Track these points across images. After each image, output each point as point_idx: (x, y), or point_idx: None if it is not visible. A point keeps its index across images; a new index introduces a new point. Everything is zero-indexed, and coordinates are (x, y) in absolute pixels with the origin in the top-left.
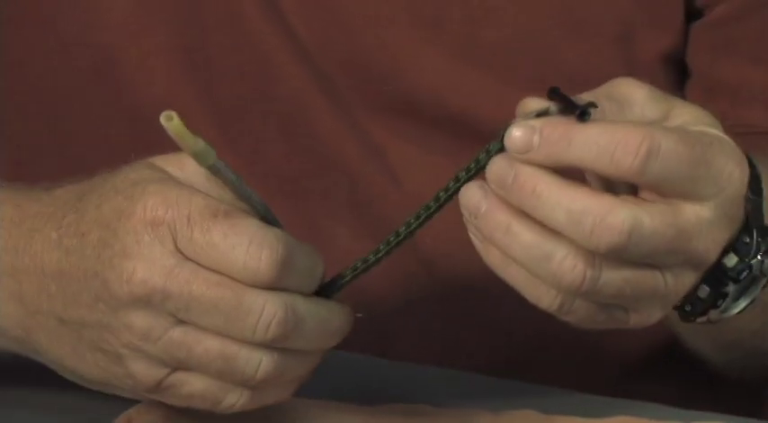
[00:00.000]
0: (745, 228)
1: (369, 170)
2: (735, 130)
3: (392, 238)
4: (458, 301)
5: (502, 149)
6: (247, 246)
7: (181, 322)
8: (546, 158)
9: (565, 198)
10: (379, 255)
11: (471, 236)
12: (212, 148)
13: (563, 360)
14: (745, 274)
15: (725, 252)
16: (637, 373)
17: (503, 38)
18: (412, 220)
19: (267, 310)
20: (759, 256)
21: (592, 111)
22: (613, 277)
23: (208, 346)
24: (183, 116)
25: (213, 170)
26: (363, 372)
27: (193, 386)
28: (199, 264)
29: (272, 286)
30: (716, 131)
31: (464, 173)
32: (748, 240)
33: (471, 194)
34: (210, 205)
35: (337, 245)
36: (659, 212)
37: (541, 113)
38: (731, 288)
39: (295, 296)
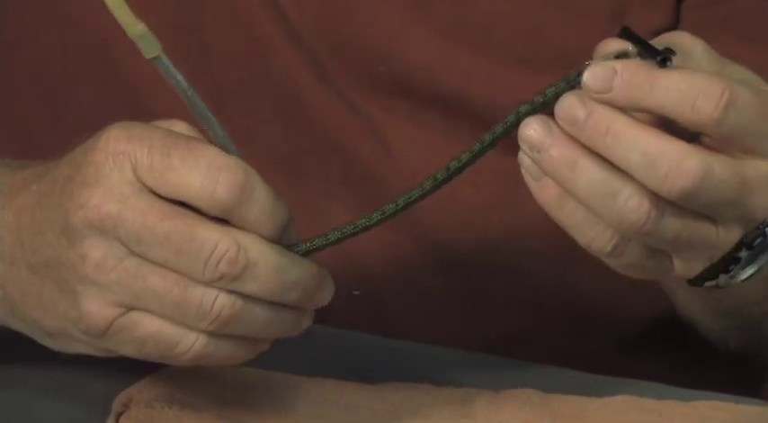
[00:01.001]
0: None
1: (364, 148)
2: None
3: (390, 207)
4: (455, 278)
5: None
6: (206, 168)
7: (133, 255)
8: (625, 101)
9: (641, 140)
10: (371, 222)
11: (524, 172)
12: (158, 41)
13: (560, 335)
14: (759, 240)
15: None
16: (633, 349)
17: (494, 17)
18: (415, 191)
19: (219, 247)
20: None
21: (673, 57)
22: (674, 221)
23: (163, 275)
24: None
25: (158, 65)
26: (362, 350)
27: (146, 328)
28: (157, 192)
29: (229, 214)
30: None
31: (515, 115)
32: None
33: (535, 128)
34: (172, 134)
35: (334, 223)
36: (729, 162)
37: (620, 55)
38: (744, 253)
39: (251, 236)
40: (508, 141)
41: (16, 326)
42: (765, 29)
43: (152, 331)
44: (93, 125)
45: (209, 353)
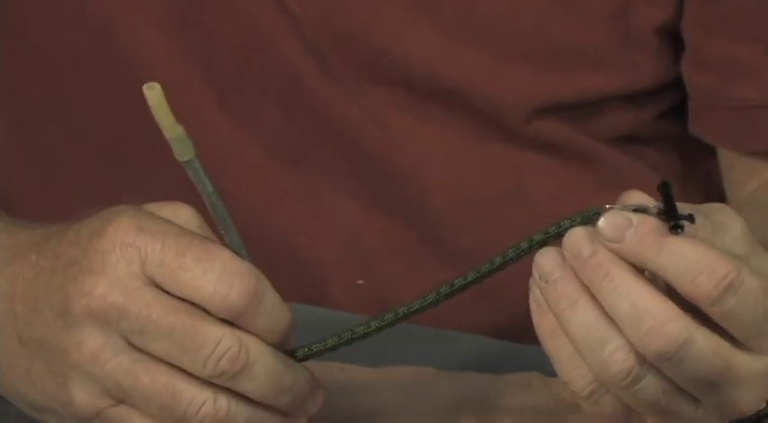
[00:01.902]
0: None
1: (368, 138)
2: (727, 103)
3: (389, 316)
4: (459, 265)
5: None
6: (220, 272)
7: (132, 348)
8: (632, 255)
9: (635, 292)
10: (369, 329)
11: (531, 299)
12: (193, 145)
13: None
14: None
15: None
16: None
17: (497, 13)
18: (416, 303)
19: (222, 344)
20: None
21: (686, 225)
22: (655, 386)
23: (155, 376)
24: (179, 87)
25: (189, 168)
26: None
27: (129, 418)
28: (165, 289)
29: (238, 319)
30: None
31: (526, 243)
32: None
33: (550, 258)
34: (186, 233)
35: (340, 213)
36: (716, 340)
37: (639, 209)
38: None
39: (254, 337)
40: (518, 137)
41: (2, 392)
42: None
43: None
44: (92, 115)
45: None
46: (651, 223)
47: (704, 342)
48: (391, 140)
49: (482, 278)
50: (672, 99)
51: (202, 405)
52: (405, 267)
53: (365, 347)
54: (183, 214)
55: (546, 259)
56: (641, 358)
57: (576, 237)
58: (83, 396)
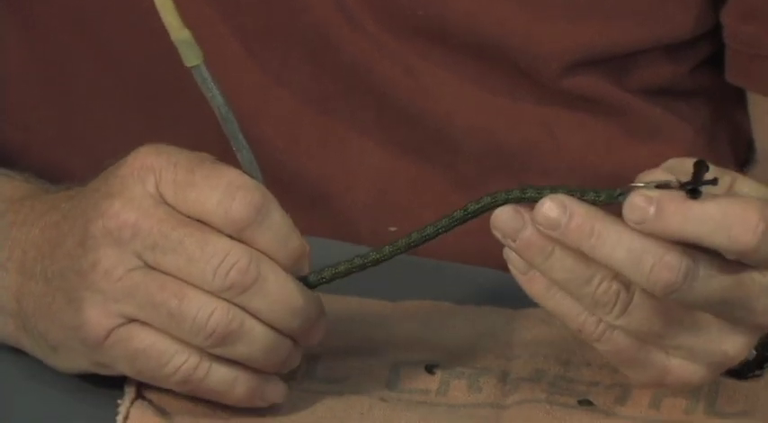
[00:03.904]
0: None
1: (399, 89)
2: None
3: (402, 241)
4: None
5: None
6: (225, 186)
7: (145, 266)
8: (660, 231)
9: (625, 238)
10: (383, 255)
11: (511, 267)
12: (200, 50)
13: None
14: None
15: None
16: None
17: None
18: (429, 228)
19: (231, 256)
20: None
21: (703, 189)
22: (643, 305)
23: (165, 284)
24: (208, 39)
25: (196, 74)
26: (384, 268)
27: (141, 341)
28: (176, 208)
29: (242, 234)
30: None
31: (503, 194)
32: None
33: (507, 217)
34: (200, 155)
35: (370, 161)
36: (719, 260)
37: (661, 185)
38: None
39: (266, 256)
40: (550, 92)
41: (25, 343)
42: None
43: (146, 345)
44: (118, 68)
45: (200, 376)
46: (672, 195)
47: (707, 264)
48: (422, 90)
49: (497, 204)
50: (706, 50)
51: (213, 311)
52: (434, 213)
53: (382, 281)
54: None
55: (503, 219)
56: (626, 284)
57: (546, 209)
58: (93, 315)
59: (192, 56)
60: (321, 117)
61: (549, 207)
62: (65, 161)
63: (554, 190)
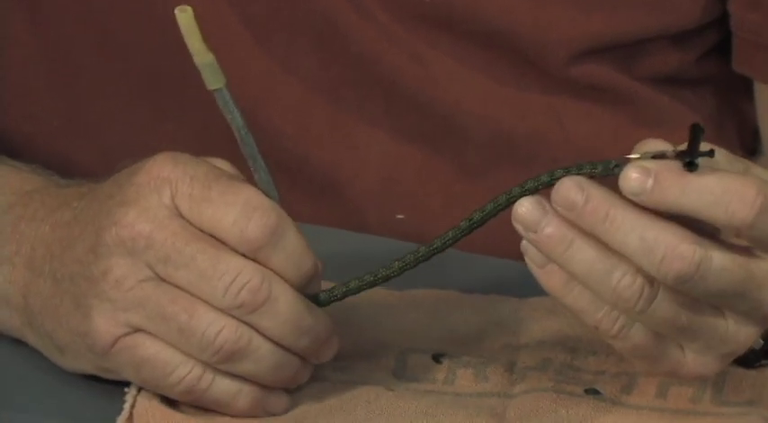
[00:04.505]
0: None
1: (407, 78)
2: None
3: (410, 257)
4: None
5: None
6: (242, 205)
7: (155, 278)
8: (656, 203)
9: (639, 224)
10: (392, 271)
11: (528, 261)
12: (223, 74)
13: None
14: None
15: None
16: None
17: None
18: (437, 241)
19: (243, 274)
20: None
21: (700, 161)
22: (670, 300)
23: (176, 298)
24: (216, 27)
25: (218, 97)
26: (391, 256)
27: (146, 350)
28: (191, 222)
29: (256, 254)
30: None
31: (517, 190)
32: None
33: (530, 207)
34: (217, 170)
35: (378, 149)
36: (731, 252)
37: (657, 156)
38: None
39: (277, 276)
40: (558, 80)
41: (30, 338)
42: None
43: (150, 354)
44: (131, 46)
45: (203, 387)
46: (670, 167)
47: (720, 256)
48: (430, 78)
49: (500, 209)
50: (713, 39)
51: (222, 329)
52: (442, 201)
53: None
54: (220, 164)
55: (526, 209)
56: (650, 278)
57: (566, 188)
58: (102, 323)
59: (215, 79)
60: (329, 105)
61: (568, 187)
62: (70, 152)
63: (551, 174)
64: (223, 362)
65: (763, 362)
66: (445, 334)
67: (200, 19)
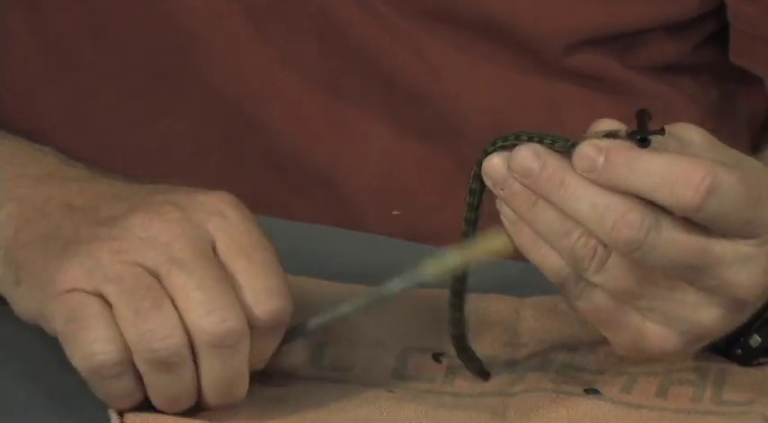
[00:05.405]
0: None
1: (407, 70)
2: None
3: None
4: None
5: None
6: (271, 286)
7: (151, 272)
8: (607, 182)
9: (590, 193)
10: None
11: (503, 218)
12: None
13: None
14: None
15: None
16: None
17: None
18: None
19: (233, 313)
20: None
21: (652, 138)
22: (623, 266)
23: (153, 290)
24: (215, 20)
25: None
26: (386, 255)
27: (90, 310)
28: (219, 259)
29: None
30: None
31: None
32: None
33: (499, 166)
34: (266, 239)
35: (377, 143)
36: (684, 225)
37: (610, 135)
38: (756, 340)
39: (246, 331)
40: (556, 70)
41: (13, 296)
42: None
43: (89, 315)
44: (130, 42)
45: (108, 374)
46: (620, 145)
47: (671, 227)
48: (429, 71)
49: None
50: (711, 28)
51: (171, 337)
52: (440, 196)
53: (386, 269)
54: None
55: (495, 165)
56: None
57: (522, 156)
58: (73, 270)
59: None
60: (328, 98)
61: (524, 155)
62: (69, 148)
63: (517, 137)
64: (150, 365)
65: (762, 360)
66: (445, 333)
67: (200, 11)
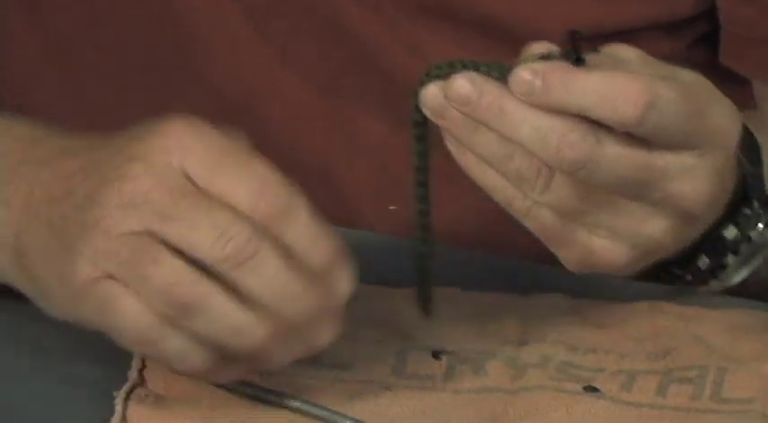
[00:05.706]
0: (745, 199)
1: (406, 67)
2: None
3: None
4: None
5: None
6: (256, 181)
7: (144, 233)
8: (546, 104)
9: (531, 116)
10: None
11: (447, 142)
12: None
13: None
14: (744, 246)
15: (724, 223)
16: None
17: None
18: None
19: (233, 227)
20: (760, 226)
21: (588, 57)
22: (567, 183)
23: (147, 247)
24: (214, 16)
25: None
26: (390, 254)
27: (112, 294)
28: (199, 187)
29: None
30: (717, 91)
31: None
32: (749, 212)
33: (437, 95)
34: (233, 143)
35: (374, 140)
36: (627, 141)
37: (545, 57)
38: (731, 260)
39: (269, 236)
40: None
41: (19, 281)
42: None
43: (113, 298)
44: (127, 31)
45: (154, 338)
46: (556, 67)
47: (614, 144)
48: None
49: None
50: (704, 28)
51: (179, 280)
52: (437, 192)
53: (391, 269)
54: (237, 137)
55: (433, 95)
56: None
57: (459, 84)
58: (84, 267)
59: None
60: (326, 95)
61: (461, 84)
62: None
63: (451, 65)
64: (179, 315)
65: (712, 284)
66: (445, 331)
67: (200, 10)
